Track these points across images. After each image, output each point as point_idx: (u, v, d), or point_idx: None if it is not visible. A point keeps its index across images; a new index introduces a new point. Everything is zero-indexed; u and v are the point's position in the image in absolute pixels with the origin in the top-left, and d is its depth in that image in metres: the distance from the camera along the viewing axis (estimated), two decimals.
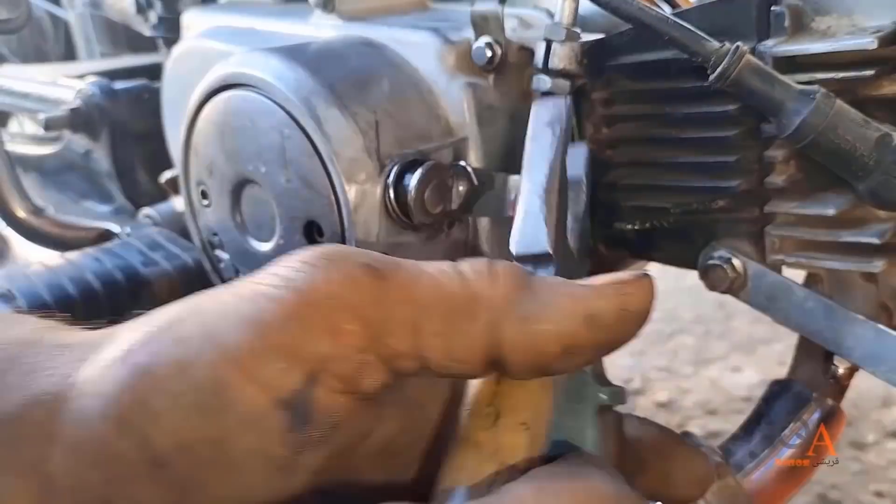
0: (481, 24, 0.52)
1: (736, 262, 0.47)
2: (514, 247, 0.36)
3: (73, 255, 0.73)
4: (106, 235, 0.83)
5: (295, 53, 0.56)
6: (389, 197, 0.52)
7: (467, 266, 0.30)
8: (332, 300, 0.28)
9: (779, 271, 0.47)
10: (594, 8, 0.45)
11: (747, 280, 0.47)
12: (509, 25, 0.54)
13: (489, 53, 0.52)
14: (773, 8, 0.43)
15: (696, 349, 1.54)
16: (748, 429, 0.52)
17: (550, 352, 0.29)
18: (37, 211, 0.83)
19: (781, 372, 0.54)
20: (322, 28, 0.63)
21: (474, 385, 0.32)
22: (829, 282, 0.46)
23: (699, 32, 0.42)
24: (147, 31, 0.88)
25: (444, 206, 0.52)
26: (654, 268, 0.56)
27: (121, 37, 1.15)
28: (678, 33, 0.42)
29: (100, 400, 0.29)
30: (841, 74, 0.41)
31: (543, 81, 0.49)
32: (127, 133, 0.92)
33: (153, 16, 0.87)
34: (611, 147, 0.52)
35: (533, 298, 0.30)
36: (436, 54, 0.55)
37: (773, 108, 0.40)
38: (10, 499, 0.29)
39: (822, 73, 0.41)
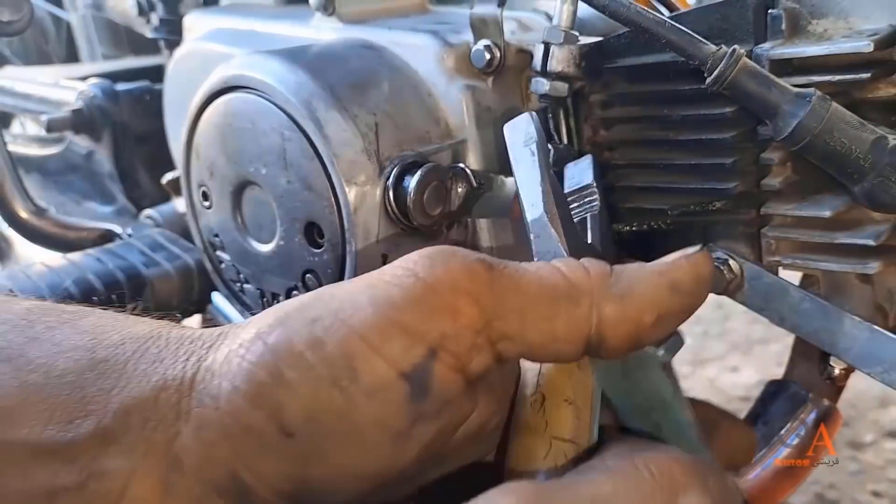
0: (480, 26, 0.52)
1: (733, 263, 0.47)
2: None
3: (74, 255, 0.74)
4: (107, 236, 0.84)
5: (295, 56, 0.56)
6: (389, 198, 0.52)
7: (560, 263, 0.35)
8: (452, 286, 0.32)
9: (775, 273, 0.47)
10: (592, 11, 0.46)
11: (744, 281, 0.47)
12: (508, 28, 0.54)
13: (488, 56, 0.52)
14: (769, 11, 0.43)
15: (695, 349, 1.55)
16: None
17: (646, 322, 0.34)
18: (39, 212, 0.83)
19: (779, 372, 0.55)
20: (322, 30, 0.63)
21: (523, 375, 0.37)
22: (825, 283, 0.46)
23: (696, 36, 0.42)
24: (149, 33, 0.88)
25: (443, 208, 0.52)
26: None
27: (123, 38, 1.15)
28: (675, 36, 0.42)
29: (232, 378, 0.32)
30: (837, 77, 0.41)
31: (542, 84, 0.50)
32: (129, 134, 0.93)
33: (155, 18, 0.87)
34: (609, 149, 0.52)
35: (621, 280, 0.34)
36: (435, 57, 0.55)
37: (769, 110, 0.41)
38: (139, 478, 0.32)
39: (819, 75, 0.41)
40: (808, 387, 0.51)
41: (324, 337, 0.32)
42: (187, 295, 0.73)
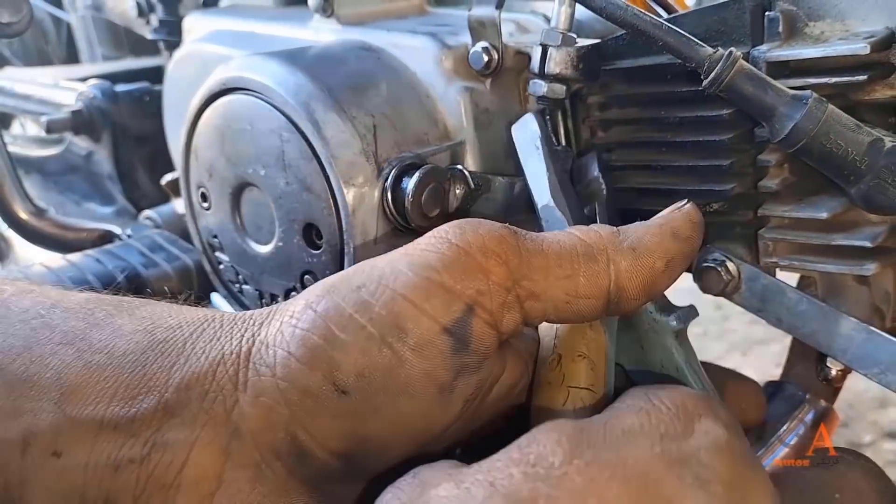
0: (478, 28, 0.53)
1: (730, 264, 0.47)
2: None
3: (74, 256, 0.74)
4: (107, 237, 0.84)
5: (294, 58, 0.56)
6: (387, 200, 0.52)
7: (573, 228, 0.39)
8: (482, 249, 0.35)
9: (772, 274, 0.47)
10: (590, 13, 0.46)
11: (741, 282, 0.47)
12: (506, 30, 0.54)
13: (486, 58, 0.52)
14: (766, 13, 0.43)
15: (694, 350, 1.54)
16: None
17: (658, 268, 0.38)
18: (38, 212, 0.83)
19: (778, 373, 0.55)
20: (321, 32, 0.64)
21: (543, 334, 0.40)
22: (822, 284, 0.46)
23: (692, 38, 0.42)
24: (148, 35, 0.89)
25: (441, 209, 0.53)
26: None
27: (122, 40, 1.15)
28: (671, 39, 0.42)
29: (287, 345, 0.34)
30: (834, 79, 0.41)
31: (539, 86, 0.50)
32: (128, 135, 0.93)
33: (154, 19, 0.87)
34: (606, 150, 0.52)
35: (629, 235, 0.38)
36: (433, 59, 0.55)
37: (766, 112, 0.41)
38: (200, 448, 0.33)
39: (816, 77, 0.41)
40: (805, 388, 0.51)
41: (370, 300, 0.34)
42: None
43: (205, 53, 0.70)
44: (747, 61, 0.42)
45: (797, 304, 0.45)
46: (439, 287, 0.34)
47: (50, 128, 0.91)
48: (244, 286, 0.63)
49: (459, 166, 0.54)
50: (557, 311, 0.37)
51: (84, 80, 0.97)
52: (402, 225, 0.53)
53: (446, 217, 0.53)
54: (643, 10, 0.43)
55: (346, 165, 0.52)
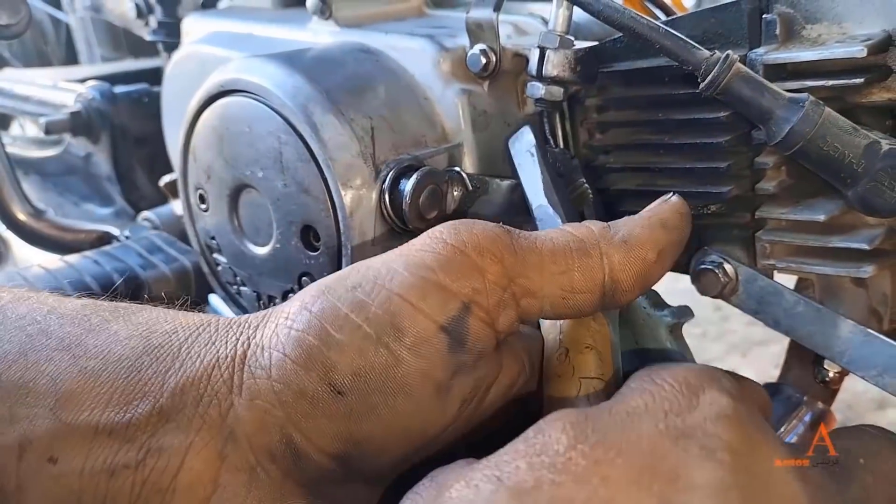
0: (476, 31, 0.53)
1: (727, 266, 0.47)
2: None
3: (72, 257, 0.74)
4: (105, 238, 0.84)
5: (292, 60, 0.56)
6: (385, 202, 0.52)
7: (566, 225, 0.39)
8: (477, 248, 0.36)
9: (770, 276, 0.47)
10: (588, 15, 0.46)
11: (738, 284, 0.47)
12: (504, 32, 0.54)
13: (484, 60, 0.52)
14: (764, 16, 0.43)
15: (693, 351, 1.54)
16: None
17: (650, 259, 0.38)
18: (37, 213, 0.84)
19: (777, 374, 0.55)
20: (319, 34, 0.64)
21: (546, 332, 0.41)
22: (819, 287, 0.46)
23: (689, 41, 0.42)
24: (147, 36, 0.89)
25: (438, 211, 0.53)
26: None
27: (121, 41, 1.15)
28: (669, 42, 0.42)
29: (282, 347, 0.34)
30: (831, 82, 0.41)
31: (537, 88, 0.50)
32: (127, 137, 0.93)
33: (153, 20, 0.87)
34: (604, 153, 0.52)
35: (620, 229, 0.39)
36: (431, 61, 0.55)
37: (763, 115, 0.41)
38: (195, 452, 0.33)
39: (813, 80, 0.41)
40: (803, 390, 0.51)
41: (366, 300, 0.34)
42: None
43: (203, 55, 0.70)
44: (745, 64, 0.42)
45: (794, 307, 0.45)
46: (435, 286, 0.34)
47: (49, 129, 0.91)
48: (242, 288, 0.63)
49: (457, 168, 0.54)
50: (554, 307, 0.37)
51: (83, 81, 0.97)
52: (400, 227, 0.53)
53: (444, 219, 0.53)
54: (640, 13, 0.43)
55: (343, 167, 0.52)
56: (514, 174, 0.50)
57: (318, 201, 0.53)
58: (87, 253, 0.75)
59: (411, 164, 0.53)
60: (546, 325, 0.42)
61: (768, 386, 0.53)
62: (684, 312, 0.45)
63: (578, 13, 0.48)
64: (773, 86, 0.41)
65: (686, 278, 0.51)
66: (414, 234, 0.53)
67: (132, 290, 0.71)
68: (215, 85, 0.58)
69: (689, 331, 0.44)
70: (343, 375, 0.33)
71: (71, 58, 1.27)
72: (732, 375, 0.42)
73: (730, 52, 0.41)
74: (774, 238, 0.45)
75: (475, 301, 0.35)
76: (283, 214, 0.56)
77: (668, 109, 0.48)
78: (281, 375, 0.34)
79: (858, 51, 0.39)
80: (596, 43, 0.51)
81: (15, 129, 1.22)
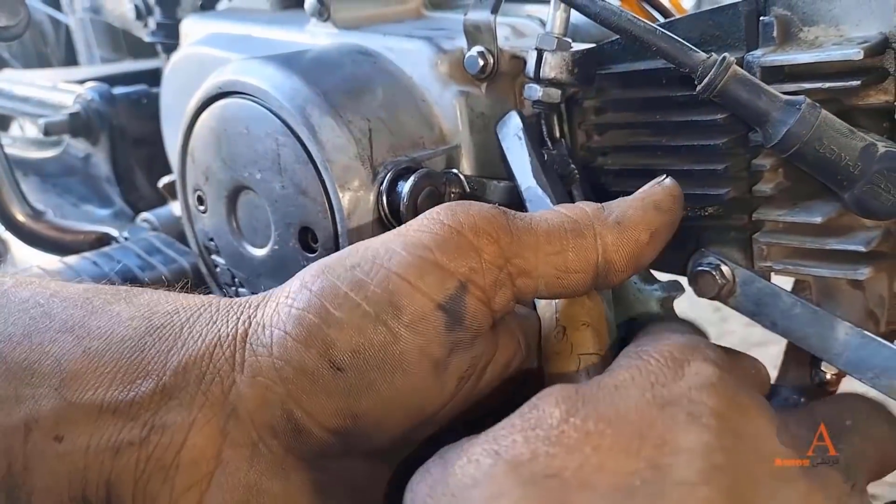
0: (474, 33, 0.53)
1: (725, 268, 0.47)
2: None
3: (71, 259, 0.74)
4: (104, 239, 0.84)
5: (290, 62, 0.56)
6: (382, 204, 0.52)
7: (560, 206, 0.40)
8: (474, 228, 0.36)
9: (767, 278, 0.47)
10: (585, 17, 0.46)
11: (736, 286, 0.47)
12: (502, 34, 0.54)
13: (481, 62, 0.52)
14: (761, 18, 0.44)
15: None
16: None
17: (643, 240, 0.39)
18: (36, 214, 0.84)
19: (775, 375, 0.55)
20: (317, 36, 0.64)
21: (542, 311, 0.42)
22: (816, 289, 0.46)
23: (686, 43, 0.43)
24: (146, 37, 0.89)
25: None
26: None
27: (121, 42, 1.15)
28: (665, 44, 0.42)
29: (283, 325, 0.35)
30: (828, 84, 0.41)
31: (535, 90, 0.50)
32: (126, 138, 0.93)
33: (152, 22, 0.87)
34: (602, 154, 0.52)
35: (613, 210, 0.39)
36: (429, 63, 0.55)
37: (759, 118, 0.41)
38: (198, 429, 0.34)
39: (810, 82, 0.41)
40: (800, 391, 0.51)
41: (365, 279, 0.35)
42: None
43: (202, 56, 0.70)
44: (742, 66, 0.42)
45: (792, 308, 0.45)
46: (433, 265, 0.35)
47: (48, 130, 0.91)
48: (240, 289, 0.63)
49: (455, 170, 0.54)
50: (548, 287, 0.38)
51: (82, 82, 0.97)
52: None
53: None
54: (637, 16, 0.44)
55: (341, 169, 0.52)
56: (502, 158, 0.51)
57: (315, 203, 0.53)
58: (86, 254, 0.75)
59: (409, 166, 0.53)
60: (542, 304, 0.42)
61: None
62: (675, 287, 0.46)
63: (576, 15, 0.48)
64: (770, 88, 0.41)
65: (683, 280, 0.51)
66: None
67: None
68: (214, 86, 0.58)
69: None
70: (342, 352, 0.34)
71: (70, 59, 1.27)
72: (725, 349, 0.43)
73: (726, 54, 0.41)
74: (771, 240, 0.45)
75: (472, 280, 0.36)
76: (281, 216, 0.56)
77: (666, 111, 0.48)
78: (282, 352, 0.34)
79: (855, 53, 0.39)
80: (593, 45, 0.51)
81: (14, 129, 1.22)
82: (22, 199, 0.83)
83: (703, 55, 0.42)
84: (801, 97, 0.40)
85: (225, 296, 0.66)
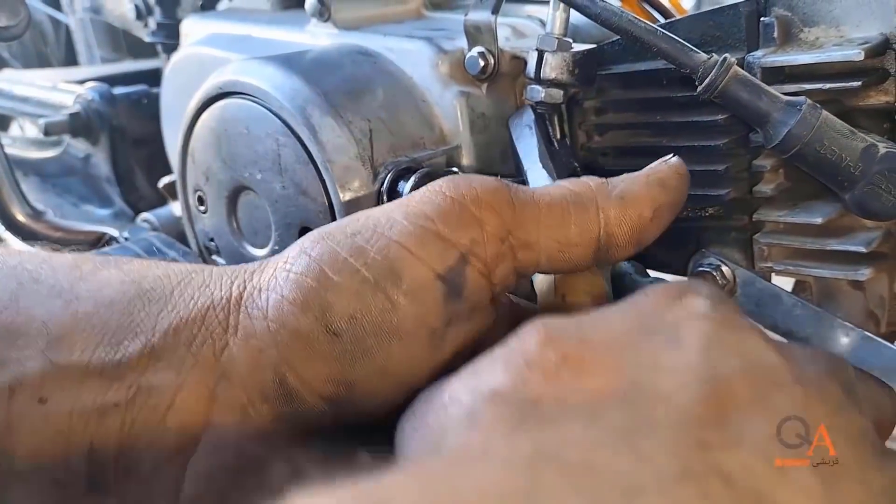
0: (474, 33, 0.53)
1: (725, 269, 0.47)
2: None
3: None
4: (104, 239, 0.84)
5: (291, 62, 0.56)
6: (383, 204, 0.52)
7: (563, 181, 0.39)
8: (476, 200, 0.36)
9: (768, 279, 0.47)
10: (586, 18, 0.46)
11: (736, 287, 0.47)
12: (502, 35, 0.54)
13: (482, 63, 0.53)
14: (762, 19, 0.44)
15: None
16: None
17: (646, 216, 0.38)
18: (36, 214, 0.84)
19: None
20: (318, 36, 0.64)
21: (540, 284, 0.41)
22: (817, 289, 0.46)
23: (686, 44, 0.43)
24: (146, 37, 0.89)
25: None
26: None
27: (121, 42, 1.15)
28: (666, 45, 0.42)
29: (280, 289, 0.34)
30: (828, 85, 0.41)
31: (536, 91, 0.50)
32: (126, 138, 0.93)
33: (152, 22, 0.87)
34: (602, 154, 0.52)
35: (618, 186, 0.39)
36: (430, 63, 0.55)
37: (760, 119, 0.41)
38: (186, 390, 0.33)
39: (810, 83, 0.41)
40: None
41: (366, 246, 0.35)
42: None
43: (202, 57, 0.70)
44: (742, 67, 0.42)
45: (792, 309, 0.45)
46: (434, 236, 0.35)
47: (48, 130, 0.91)
48: None
49: (455, 170, 0.54)
50: (550, 260, 0.37)
51: (82, 82, 0.97)
52: None
53: None
54: (638, 16, 0.44)
55: (341, 170, 0.52)
56: (511, 150, 0.51)
57: (316, 203, 0.53)
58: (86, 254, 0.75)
59: (409, 166, 0.53)
60: (539, 278, 0.42)
61: None
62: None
63: (576, 16, 0.48)
64: (771, 89, 0.41)
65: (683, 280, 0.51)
66: None
67: None
68: (214, 87, 0.58)
69: None
70: (339, 317, 0.34)
71: (70, 59, 1.27)
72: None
73: (727, 55, 0.41)
74: (772, 241, 0.45)
75: (473, 252, 0.35)
76: (282, 216, 0.56)
77: (666, 112, 0.48)
78: (277, 316, 0.34)
79: (856, 54, 0.39)
80: (594, 45, 0.51)
81: (14, 129, 1.22)
82: (22, 199, 0.83)
83: (704, 56, 0.42)
84: (801, 98, 0.40)
85: None
